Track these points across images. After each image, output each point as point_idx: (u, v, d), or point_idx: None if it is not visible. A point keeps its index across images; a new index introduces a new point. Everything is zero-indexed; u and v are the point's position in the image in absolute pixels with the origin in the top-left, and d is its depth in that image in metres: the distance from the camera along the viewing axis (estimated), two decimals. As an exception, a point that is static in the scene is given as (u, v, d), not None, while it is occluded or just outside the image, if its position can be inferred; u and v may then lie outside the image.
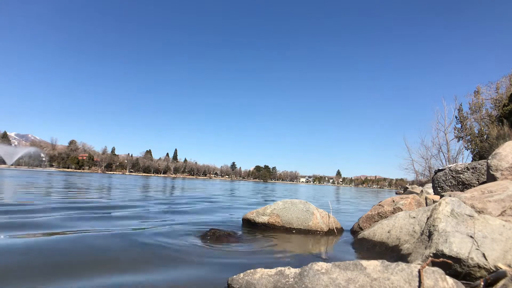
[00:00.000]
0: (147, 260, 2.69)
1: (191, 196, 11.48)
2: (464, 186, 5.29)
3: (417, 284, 1.63)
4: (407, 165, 24.87)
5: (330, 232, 4.51)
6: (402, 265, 1.76)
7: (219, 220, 5.35)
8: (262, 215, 4.68)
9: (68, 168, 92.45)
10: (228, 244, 3.48)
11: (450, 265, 2.08)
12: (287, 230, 4.49)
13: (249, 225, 4.78)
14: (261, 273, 1.88)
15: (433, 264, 2.03)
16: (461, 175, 5.35)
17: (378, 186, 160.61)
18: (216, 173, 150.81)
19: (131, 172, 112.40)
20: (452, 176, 5.53)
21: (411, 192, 12.32)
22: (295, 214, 4.58)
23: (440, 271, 1.72)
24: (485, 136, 15.06)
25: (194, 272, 2.42)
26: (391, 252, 3.07)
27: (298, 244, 3.71)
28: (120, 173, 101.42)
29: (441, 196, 4.53)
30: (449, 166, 5.81)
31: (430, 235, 2.42)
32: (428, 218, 2.70)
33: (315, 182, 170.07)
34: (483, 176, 4.96)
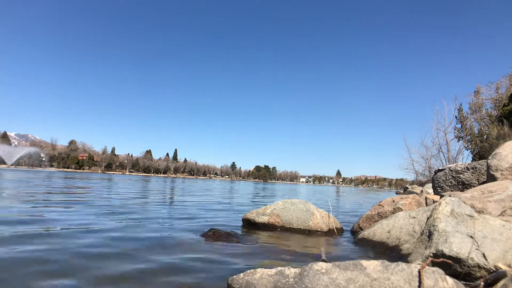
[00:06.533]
0: (147, 260, 2.69)
1: (192, 197, 11.49)
2: (464, 186, 5.29)
3: (417, 284, 1.63)
4: (407, 165, 24.82)
5: (330, 232, 4.51)
6: (402, 265, 1.76)
7: (219, 220, 5.35)
8: (262, 215, 4.68)
9: (68, 168, 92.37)
10: (228, 244, 3.48)
11: (450, 265, 2.08)
12: (287, 230, 4.49)
13: (249, 225, 4.78)
14: (261, 273, 1.88)
15: (433, 264, 2.03)
16: (461, 175, 5.35)
17: (378, 186, 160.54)
18: (216, 173, 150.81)
19: (131, 172, 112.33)
20: (452, 176, 5.53)
21: (411, 192, 12.32)
22: (295, 214, 4.58)
23: (440, 271, 1.72)
24: (485, 136, 15.06)
25: (194, 272, 2.42)
26: (391, 252, 3.07)
27: (298, 244, 3.71)
28: (120, 173, 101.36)
29: (441, 196, 4.53)
30: (449, 166, 5.81)
31: (430, 235, 2.42)
32: (428, 218, 2.70)
33: (315, 182, 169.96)
34: (483, 176, 4.96)
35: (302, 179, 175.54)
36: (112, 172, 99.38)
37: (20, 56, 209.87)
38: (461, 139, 18.47)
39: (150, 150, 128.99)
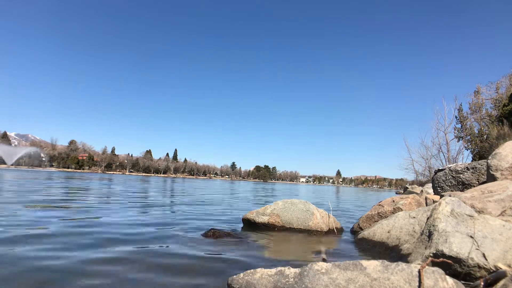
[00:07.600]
0: (147, 260, 2.69)
1: (192, 197, 11.49)
2: (464, 186, 5.29)
3: (417, 284, 1.63)
4: (407, 165, 24.79)
5: (330, 232, 4.51)
6: (402, 265, 1.76)
7: (219, 220, 5.35)
8: (262, 215, 4.68)
9: (68, 168, 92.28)
10: (228, 244, 3.48)
11: (450, 265, 2.08)
12: (287, 230, 4.49)
13: (249, 225, 4.78)
14: (261, 273, 1.88)
15: (433, 264, 2.03)
16: (461, 175, 5.35)
17: (378, 186, 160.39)
18: (216, 173, 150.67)
19: (131, 172, 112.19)
20: (452, 176, 5.53)
21: (411, 192, 12.31)
22: (295, 214, 4.58)
23: (440, 271, 1.72)
24: (485, 136, 15.05)
25: (194, 271, 2.42)
26: (391, 252, 3.07)
27: (298, 244, 3.71)
28: (120, 173, 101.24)
29: (441, 196, 4.53)
30: (449, 166, 5.81)
31: (430, 235, 2.42)
32: (428, 218, 2.70)
33: (315, 182, 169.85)
34: (483, 176, 4.96)
35: (302, 179, 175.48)
36: (112, 172, 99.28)
37: (20, 56, 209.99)
38: (461, 139, 18.46)
39: (150, 150, 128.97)
